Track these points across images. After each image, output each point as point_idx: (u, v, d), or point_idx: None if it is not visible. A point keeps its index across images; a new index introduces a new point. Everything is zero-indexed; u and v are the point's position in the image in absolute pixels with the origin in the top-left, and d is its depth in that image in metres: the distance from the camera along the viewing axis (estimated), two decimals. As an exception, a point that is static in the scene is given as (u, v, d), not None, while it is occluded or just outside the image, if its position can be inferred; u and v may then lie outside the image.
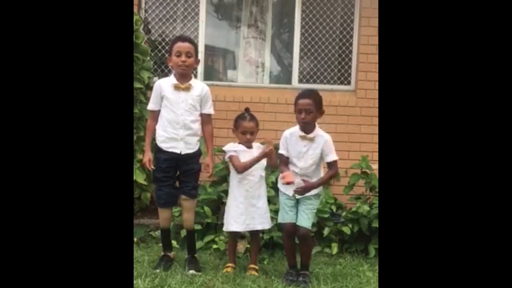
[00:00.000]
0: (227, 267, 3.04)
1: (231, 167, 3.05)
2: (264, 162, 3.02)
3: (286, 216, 2.90)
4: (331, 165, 2.91)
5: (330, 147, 2.88)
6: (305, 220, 2.87)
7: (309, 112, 2.82)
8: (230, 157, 2.99)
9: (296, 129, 2.92)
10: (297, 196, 2.87)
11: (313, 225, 3.05)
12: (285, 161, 2.91)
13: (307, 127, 2.88)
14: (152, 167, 3.02)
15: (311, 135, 2.87)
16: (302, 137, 2.87)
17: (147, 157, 3.03)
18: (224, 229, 3.09)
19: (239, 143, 3.03)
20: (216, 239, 3.46)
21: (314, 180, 2.89)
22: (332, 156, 2.88)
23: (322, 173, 2.95)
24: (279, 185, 2.98)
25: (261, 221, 3.01)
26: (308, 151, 2.87)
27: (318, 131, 2.90)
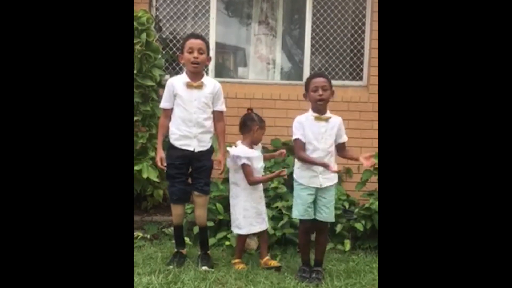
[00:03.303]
0: (239, 263, 3.05)
1: (236, 171, 3.06)
2: (262, 164, 3.09)
3: (306, 212, 2.88)
4: (345, 145, 2.99)
5: (343, 128, 2.98)
6: (328, 214, 2.90)
7: (326, 90, 2.85)
8: (244, 166, 3.00)
9: (308, 114, 2.91)
10: (323, 185, 2.86)
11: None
12: (302, 146, 2.87)
13: (321, 109, 2.88)
14: (164, 165, 3.04)
15: (326, 116, 2.90)
16: (318, 118, 2.87)
17: (159, 155, 3.05)
18: (237, 231, 3.12)
19: (249, 143, 3.08)
20: (229, 235, 3.47)
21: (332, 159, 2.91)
22: (345, 137, 2.99)
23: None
24: (300, 179, 2.91)
25: (261, 222, 3.11)
26: (326, 131, 2.89)
27: (330, 113, 2.94)
